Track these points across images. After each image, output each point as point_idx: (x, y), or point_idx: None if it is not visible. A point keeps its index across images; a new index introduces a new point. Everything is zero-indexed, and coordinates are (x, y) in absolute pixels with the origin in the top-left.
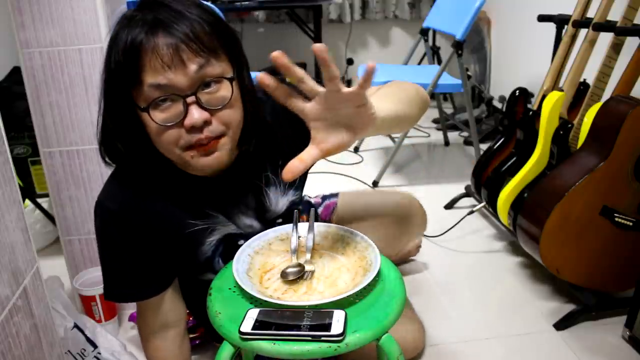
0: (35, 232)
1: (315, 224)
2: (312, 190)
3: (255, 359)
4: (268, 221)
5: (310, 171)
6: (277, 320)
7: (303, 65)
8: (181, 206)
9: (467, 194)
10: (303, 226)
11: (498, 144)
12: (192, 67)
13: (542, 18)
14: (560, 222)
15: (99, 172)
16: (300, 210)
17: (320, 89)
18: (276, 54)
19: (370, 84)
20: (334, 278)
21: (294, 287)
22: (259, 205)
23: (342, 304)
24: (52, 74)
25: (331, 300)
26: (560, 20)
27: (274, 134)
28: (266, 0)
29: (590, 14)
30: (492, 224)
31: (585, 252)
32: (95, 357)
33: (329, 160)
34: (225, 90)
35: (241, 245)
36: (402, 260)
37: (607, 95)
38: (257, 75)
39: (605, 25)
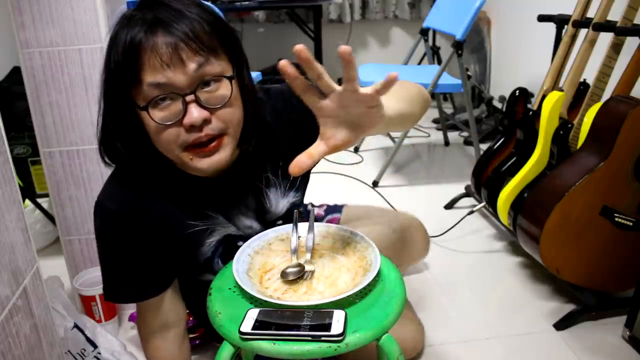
0: (35, 232)
1: (315, 224)
2: (312, 190)
3: (255, 359)
4: (268, 222)
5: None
6: (277, 320)
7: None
8: (181, 207)
9: (467, 194)
10: (303, 226)
11: (498, 144)
12: (192, 66)
13: (542, 18)
14: (560, 222)
15: (99, 172)
16: (300, 212)
17: (337, 87)
18: (299, 47)
19: (387, 91)
20: (334, 278)
21: (294, 287)
22: (259, 206)
23: (342, 304)
24: (52, 74)
25: (331, 300)
26: (560, 20)
27: (274, 135)
28: (266, 0)
29: (590, 14)
30: (492, 224)
31: (585, 252)
32: (95, 357)
33: (329, 160)
34: (224, 89)
35: (241, 246)
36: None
37: (607, 95)
38: (280, 63)
39: (605, 25)
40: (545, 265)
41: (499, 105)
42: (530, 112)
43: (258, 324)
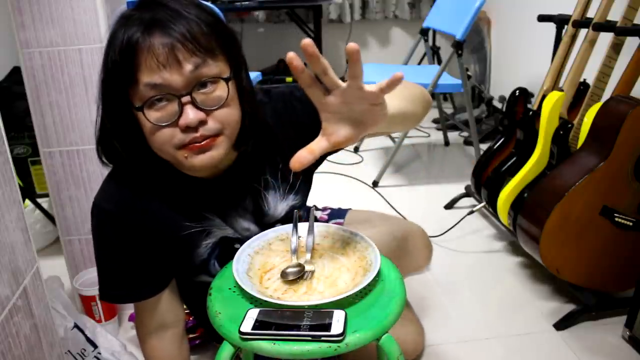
0: (35, 232)
1: (315, 224)
2: (312, 190)
3: (255, 359)
4: (266, 225)
5: (312, 175)
6: (277, 320)
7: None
8: (177, 208)
9: (467, 194)
10: (303, 226)
11: (498, 144)
12: (188, 67)
13: (542, 18)
14: (560, 222)
15: (99, 172)
16: (300, 215)
17: (342, 83)
18: (306, 42)
19: (392, 90)
20: (334, 278)
21: (294, 287)
22: (257, 208)
23: (342, 304)
24: (52, 74)
25: (331, 300)
26: (560, 20)
27: (274, 137)
28: (266, 0)
29: (590, 14)
30: (492, 224)
31: (585, 252)
32: (95, 357)
33: (329, 160)
34: (221, 90)
35: (238, 248)
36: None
37: (607, 95)
38: (287, 55)
39: (605, 25)
40: (545, 265)
41: (499, 105)
42: (530, 112)
43: (258, 324)
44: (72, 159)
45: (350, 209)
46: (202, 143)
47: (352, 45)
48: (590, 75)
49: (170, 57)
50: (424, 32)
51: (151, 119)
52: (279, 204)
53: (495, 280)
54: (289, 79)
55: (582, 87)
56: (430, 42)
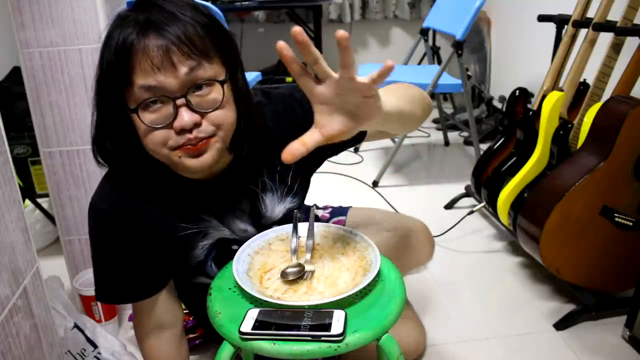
0: (35, 232)
1: (315, 223)
2: (312, 190)
3: (255, 359)
4: (263, 227)
5: (310, 177)
6: (277, 320)
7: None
8: (173, 209)
9: (467, 194)
10: (303, 226)
11: (498, 144)
12: (183, 69)
13: (542, 18)
14: (560, 222)
15: (99, 172)
16: (300, 217)
17: (333, 73)
18: (296, 29)
19: (383, 79)
20: (334, 278)
21: (294, 287)
22: (254, 210)
23: (342, 304)
24: (52, 74)
25: (331, 300)
26: (560, 20)
27: (272, 139)
28: (266, 0)
29: (590, 14)
30: (492, 224)
31: (585, 252)
32: (95, 357)
33: (329, 160)
34: (216, 93)
35: (235, 250)
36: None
37: (607, 95)
38: (277, 44)
39: (605, 25)
40: (545, 265)
41: (499, 105)
42: (530, 112)
43: (258, 324)
44: (72, 159)
45: (351, 206)
46: (196, 145)
47: (341, 32)
48: (590, 75)
49: (165, 60)
50: (424, 32)
51: (146, 121)
52: (276, 206)
53: (495, 280)
54: (289, 79)
55: (582, 87)
56: (430, 42)
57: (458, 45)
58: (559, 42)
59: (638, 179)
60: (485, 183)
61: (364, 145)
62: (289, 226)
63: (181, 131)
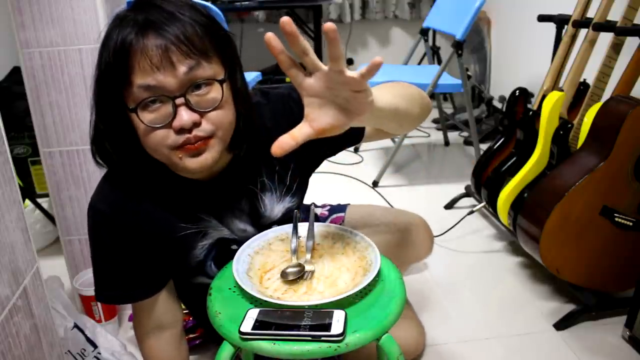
0: (35, 232)
1: (315, 223)
2: (312, 190)
3: (255, 358)
4: (262, 227)
5: (309, 177)
6: (277, 320)
7: (302, 65)
8: (173, 209)
9: (467, 194)
10: (303, 226)
11: (498, 144)
12: (182, 68)
13: (542, 18)
14: (560, 222)
15: (99, 172)
16: (299, 217)
17: (323, 66)
18: (285, 19)
19: (372, 75)
20: (334, 278)
21: (294, 287)
22: (253, 210)
23: (342, 304)
24: (52, 74)
25: (331, 300)
26: (560, 20)
27: (271, 138)
28: (266, 0)
29: (590, 14)
30: (492, 224)
31: (585, 252)
32: (95, 357)
33: (329, 160)
34: (215, 92)
35: (234, 250)
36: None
37: (607, 95)
38: (265, 35)
39: (605, 25)
40: (545, 265)
41: (499, 105)
42: (530, 112)
43: (258, 324)
44: (72, 159)
45: (349, 204)
46: (195, 145)
47: (329, 24)
48: (590, 75)
49: (164, 59)
50: (424, 32)
51: (145, 121)
52: (275, 206)
53: (495, 280)
54: (288, 80)
55: (582, 87)
56: (430, 42)
57: (458, 45)
58: (559, 42)
59: (638, 179)
60: (485, 183)
61: (364, 145)
62: (289, 226)
63: (180, 130)
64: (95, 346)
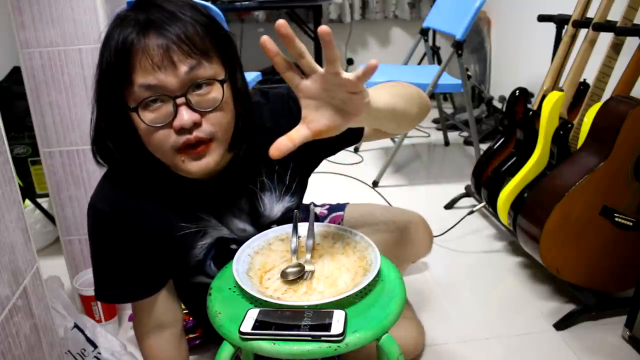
0: (35, 232)
1: (315, 223)
2: (312, 190)
3: (255, 358)
4: (262, 226)
5: (308, 177)
6: (277, 320)
7: (299, 67)
8: (173, 208)
9: (467, 194)
10: (303, 226)
11: (498, 144)
12: (183, 68)
13: (542, 18)
14: (560, 222)
15: (99, 172)
16: (299, 217)
17: (319, 68)
18: (280, 22)
19: (368, 78)
20: (334, 278)
21: (294, 287)
22: (253, 209)
23: (342, 304)
24: (52, 74)
25: (331, 300)
26: (560, 20)
27: (270, 138)
28: (266, 0)
29: (590, 14)
30: (492, 224)
31: (585, 252)
32: (95, 357)
33: (329, 160)
34: (216, 92)
35: (234, 249)
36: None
37: (607, 95)
38: (261, 38)
39: (605, 25)
40: (545, 265)
41: (499, 105)
42: (530, 112)
43: (258, 324)
44: (72, 159)
45: (349, 202)
46: (197, 149)
47: (323, 27)
48: (590, 75)
49: (165, 59)
50: (424, 32)
51: (146, 120)
52: (274, 205)
53: (495, 280)
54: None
55: (582, 87)
56: (430, 42)
57: (458, 45)
58: (559, 42)
59: (638, 179)
60: (485, 183)
61: (364, 145)
62: (289, 226)
63: (181, 130)
64: (95, 346)
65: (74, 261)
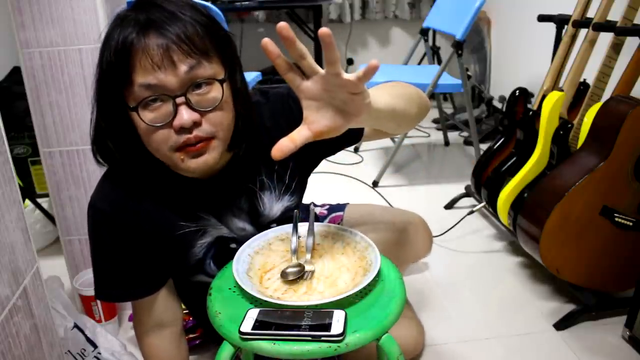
0: (35, 232)
1: (315, 223)
2: (312, 190)
3: (255, 358)
4: (262, 225)
5: (307, 176)
6: (277, 320)
7: (300, 68)
8: (172, 207)
9: (467, 194)
10: (303, 226)
11: (498, 144)
12: (183, 68)
13: (542, 18)
14: (560, 222)
15: (99, 172)
16: (299, 216)
17: (320, 69)
18: (281, 25)
19: (369, 78)
20: (334, 278)
21: (294, 287)
22: (252, 209)
23: (342, 304)
24: (52, 74)
25: (331, 300)
26: (560, 20)
27: (270, 137)
28: (266, 0)
29: (590, 14)
30: (492, 224)
31: (585, 252)
32: (95, 357)
33: (329, 160)
34: (216, 91)
35: (233, 248)
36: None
37: (607, 95)
38: (262, 41)
39: (605, 25)
40: (545, 265)
41: (499, 105)
42: (530, 112)
43: (258, 324)
44: (72, 159)
45: (348, 203)
46: (197, 147)
47: (324, 29)
48: (590, 75)
49: (165, 58)
50: (424, 32)
51: (146, 120)
52: (274, 205)
53: (495, 280)
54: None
55: (582, 87)
56: (430, 42)
57: (458, 45)
58: (559, 42)
59: (638, 179)
60: (485, 183)
61: (364, 145)
62: (289, 226)
63: (181, 130)
64: (95, 346)
65: (74, 261)
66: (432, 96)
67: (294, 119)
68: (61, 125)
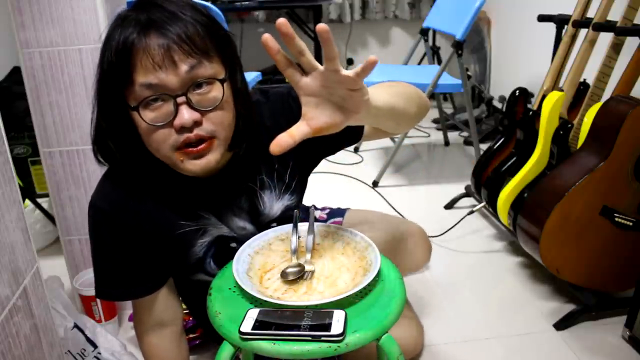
0: (35, 232)
1: (315, 223)
2: (312, 190)
3: (255, 358)
4: (262, 225)
5: (308, 175)
6: (277, 320)
7: (299, 65)
8: (173, 207)
9: (467, 194)
10: (303, 226)
11: (498, 144)
12: (183, 67)
13: (542, 18)
14: (560, 222)
15: (99, 172)
16: (299, 216)
17: (319, 65)
18: (281, 21)
19: (367, 74)
20: (334, 278)
21: (294, 287)
22: (253, 208)
23: (342, 304)
24: (52, 74)
25: (331, 300)
26: (560, 20)
27: (270, 137)
28: (266, 0)
29: (590, 14)
30: (492, 224)
31: (585, 252)
32: (95, 357)
33: (328, 160)
34: (216, 91)
35: (233, 247)
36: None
37: (607, 95)
38: (262, 36)
39: (605, 25)
40: (545, 265)
41: (499, 105)
42: (530, 112)
43: (258, 324)
44: (72, 159)
45: (349, 208)
46: (198, 148)
47: (321, 25)
48: (590, 75)
49: (166, 58)
50: (424, 32)
51: (146, 119)
52: (274, 204)
53: (495, 280)
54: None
55: (582, 87)
56: (430, 42)
57: (458, 45)
58: (559, 42)
59: (638, 179)
60: (485, 183)
61: (364, 145)
62: (289, 226)
63: (181, 129)
64: (95, 346)
65: (74, 261)
66: (432, 96)
67: (294, 118)
68: (61, 125)
